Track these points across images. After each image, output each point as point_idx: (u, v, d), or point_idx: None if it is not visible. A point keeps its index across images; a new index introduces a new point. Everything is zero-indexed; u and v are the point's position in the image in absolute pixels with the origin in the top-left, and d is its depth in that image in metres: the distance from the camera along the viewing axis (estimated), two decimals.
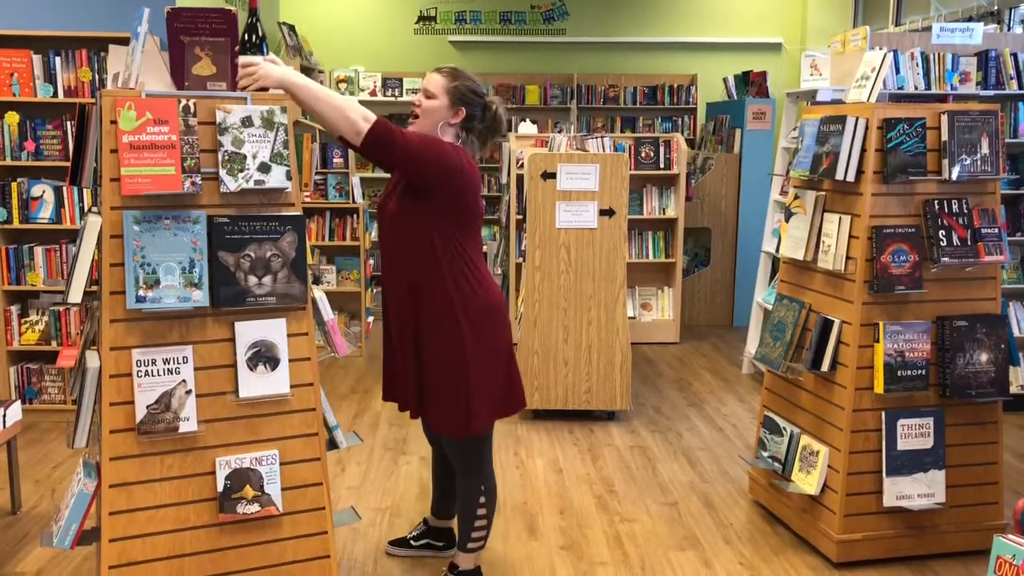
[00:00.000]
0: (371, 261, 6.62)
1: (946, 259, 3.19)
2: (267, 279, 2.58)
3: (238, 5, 6.77)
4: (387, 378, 3.07)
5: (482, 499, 3.00)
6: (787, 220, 3.60)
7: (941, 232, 3.21)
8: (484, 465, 3.01)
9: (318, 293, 2.79)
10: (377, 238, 2.99)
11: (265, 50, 2.62)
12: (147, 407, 2.50)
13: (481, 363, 2.85)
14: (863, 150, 3.20)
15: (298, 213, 2.63)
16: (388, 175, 3.08)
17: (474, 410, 2.83)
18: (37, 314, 4.83)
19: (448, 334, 2.81)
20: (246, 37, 2.59)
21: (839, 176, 3.21)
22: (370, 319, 6.46)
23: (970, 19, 6.10)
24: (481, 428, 2.88)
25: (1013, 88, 5.07)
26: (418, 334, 2.84)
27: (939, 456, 3.27)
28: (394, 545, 3.41)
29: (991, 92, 5.03)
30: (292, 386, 2.65)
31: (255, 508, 2.62)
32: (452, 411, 2.85)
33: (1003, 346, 3.28)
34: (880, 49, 3.53)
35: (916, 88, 4.97)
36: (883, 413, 3.23)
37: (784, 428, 3.57)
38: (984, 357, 3.27)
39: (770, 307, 3.74)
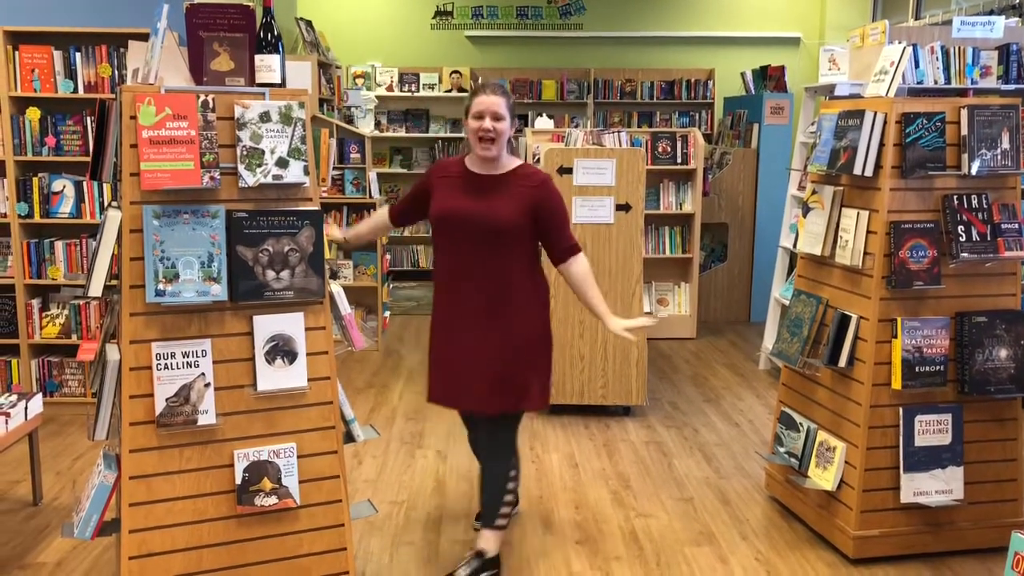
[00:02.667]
0: (388, 256, 6.64)
1: (965, 254, 3.17)
2: (285, 273, 2.60)
3: (255, 1, 6.80)
4: (446, 377, 3.15)
5: (513, 472, 3.19)
6: (805, 215, 3.58)
7: (960, 227, 3.19)
8: (516, 442, 3.26)
9: (335, 288, 2.81)
10: (448, 235, 3.10)
11: (280, 48, 2.64)
12: (166, 400, 2.52)
13: (551, 342, 3.23)
14: (881, 145, 3.18)
15: (316, 208, 2.65)
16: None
17: (549, 383, 3.23)
18: (58, 308, 4.87)
19: (535, 318, 3.14)
20: (261, 36, 2.61)
21: (857, 171, 3.19)
22: (387, 314, 6.49)
23: (991, 12, 6.04)
24: (548, 400, 3.25)
25: None
26: (509, 320, 3.06)
27: (957, 452, 3.25)
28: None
29: (1012, 86, 4.97)
30: (309, 379, 2.68)
31: (272, 500, 2.64)
32: (536, 383, 3.13)
33: (1023, 342, 3.26)
34: (899, 43, 3.51)
35: (936, 82, 4.93)
36: (901, 409, 3.21)
37: (801, 424, 3.56)
38: (1003, 353, 3.24)
39: (787, 302, 3.73)
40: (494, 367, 3.06)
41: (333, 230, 3.39)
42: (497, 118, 2.98)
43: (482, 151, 3.00)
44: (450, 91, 9.29)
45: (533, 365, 3.13)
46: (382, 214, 3.43)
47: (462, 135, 9.33)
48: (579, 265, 3.11)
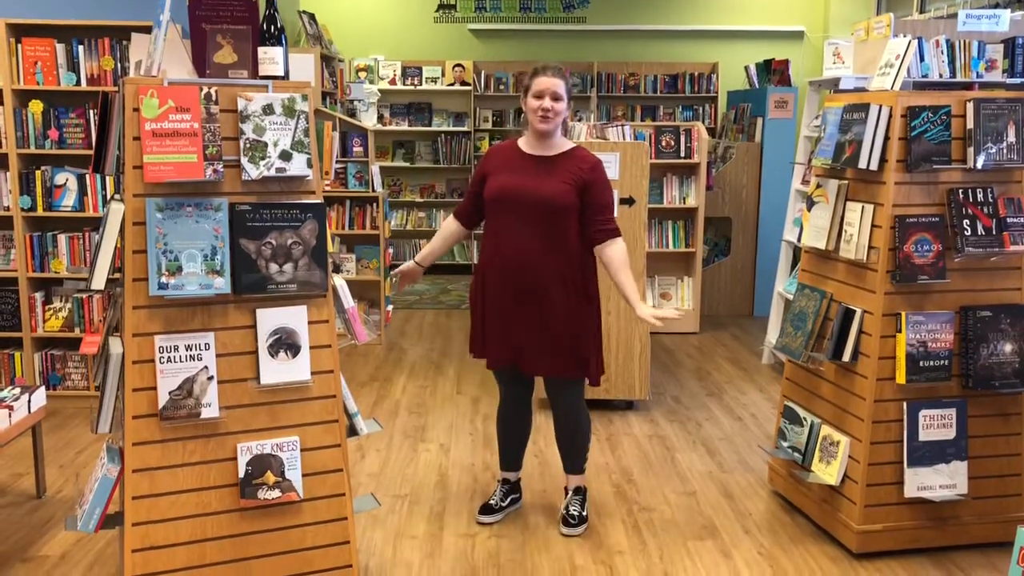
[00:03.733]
0: (390, 250, 6.63)
1: (970, 249, 3.16)
2: (288, 266, 2.59)
3: None
4: (500, 344, 3.32)
5: (588, 425, 3.54)
6: (809, 209, 3.57)
7: (965, 221, 3.17)
8: (583, 400, 3.53)
9: (338, 281, 2.81)
10: (502, 212, 3.26)
11: (284, 41, 2.63)
12: (169, 393, 2.52)
13: (600, 316, 3.43)
14: (886, 138, 3.17)
15: (319, 201, 2.65)
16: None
17: (601, 352, 3.42)
18: (60, 301, 4.87)
19: (590, 292, 3.33)
20: (264, 28, 2.60)
21: (862, 165, 3.18)
22: (389, 308, 6.48)
23: (996, 5, 6.02)
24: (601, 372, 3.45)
25: None
26: (567, 294, 3.25)
27: (961, 447, 3.24)
28: (485, 513, 3.57)
29: (1018, 80, 4.95)
30: (313, 373, 2.67)
31: (276, 494, 2.64)
32: (591, 355, 3.34)
33: None
34: (904, 36, 3.49)
35: (941, 76, 4.90)
36: (905, 403, 3.21)
37: (804, 418, 3.55)
38: (1008, 348, 3.23)
39: (791, 297, 3.73)
40: (548, 335, 3.26)
41: (403, 267, 3.55)
42: (556, 98, 3.18)
43: (541, 125, 3.19)
44: (453, 84, 9.28)
45: (582, 335, 3.30)
46: (450, 223, 3.53)
47: (466, 129, 9.32)
48: (616, 248, 3.26)
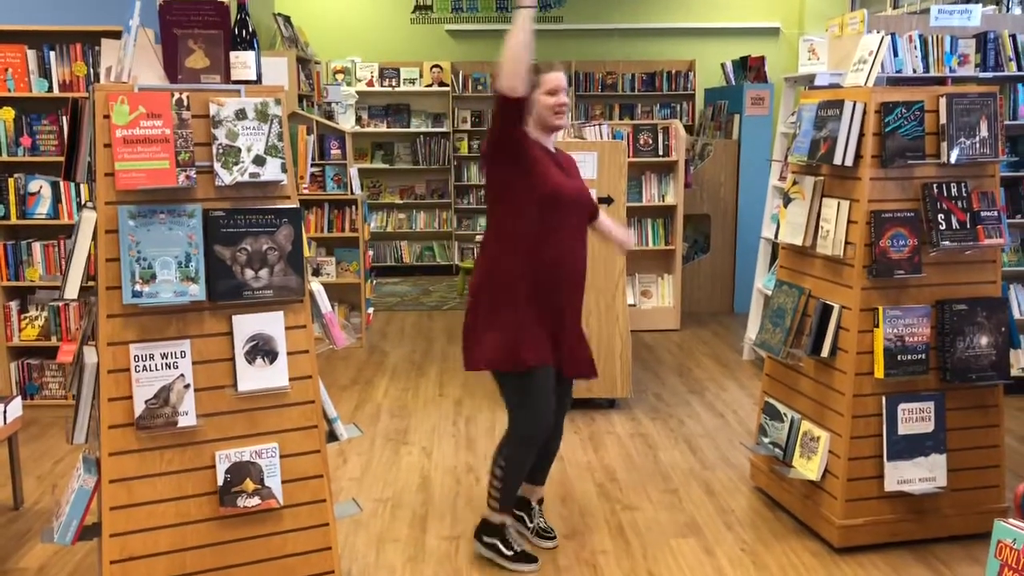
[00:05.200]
0: (370, 252, 6.60)
1: (946, 243, 3.18)
2: (264, 272, 2.58)
3: None
4: (545, 343, 3.14)
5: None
6: (786, 206, 3.59)
7: (940, 216, 3.19)
8: None
9: (316, 286, 2.79)
10: (555, 212, 3.08)
11: (256, 45, 2.61)
12: (145, 402, 2.50)
13: None
14: (861, 134, 3.18)
15: (294, 205, 2.63)
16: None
17: None
18: (36, 310, 4.82)
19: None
20: (236, 32, 2.58)
21: (837, 161, 3.19)
22: (370, 310, 6.45)
23: (968, 1, 6.07)
24: None
25: (1012, 70, 5.04)
26: (584, 291, 3.28)
27: (940, 440, 3.26)
28: (528, 562, 3.25)
29: (990, 74, 4.99)
30: (291, 379, 2.66)
31: (255, 501, 2.62)
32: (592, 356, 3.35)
33: (1003, 329, 3.27)
34: (878, 32, 3.51)
35: (914, 71, 4.94)
36: (884, 398, 3.22)
37: (785, 414, 3.56)
38: (984, 340, 3.26)
39: (770, 293, 3.74)
40: (581, 337, 3.29)
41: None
42: (566, 93, 3.20)
43: (559, 122, 3.16)
44: (431, 85, 9.26)
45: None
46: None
47: (444, 129, 9.30)
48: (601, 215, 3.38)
